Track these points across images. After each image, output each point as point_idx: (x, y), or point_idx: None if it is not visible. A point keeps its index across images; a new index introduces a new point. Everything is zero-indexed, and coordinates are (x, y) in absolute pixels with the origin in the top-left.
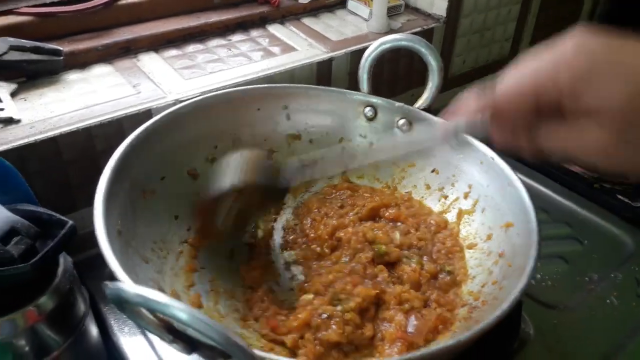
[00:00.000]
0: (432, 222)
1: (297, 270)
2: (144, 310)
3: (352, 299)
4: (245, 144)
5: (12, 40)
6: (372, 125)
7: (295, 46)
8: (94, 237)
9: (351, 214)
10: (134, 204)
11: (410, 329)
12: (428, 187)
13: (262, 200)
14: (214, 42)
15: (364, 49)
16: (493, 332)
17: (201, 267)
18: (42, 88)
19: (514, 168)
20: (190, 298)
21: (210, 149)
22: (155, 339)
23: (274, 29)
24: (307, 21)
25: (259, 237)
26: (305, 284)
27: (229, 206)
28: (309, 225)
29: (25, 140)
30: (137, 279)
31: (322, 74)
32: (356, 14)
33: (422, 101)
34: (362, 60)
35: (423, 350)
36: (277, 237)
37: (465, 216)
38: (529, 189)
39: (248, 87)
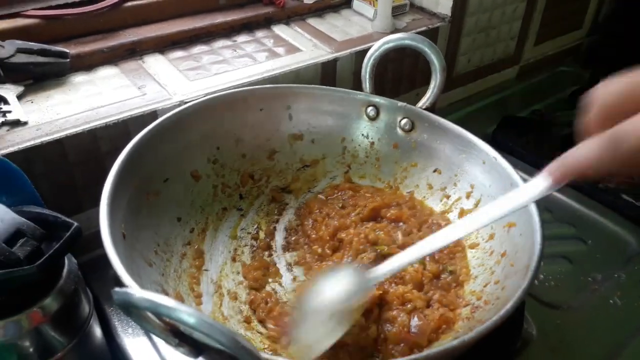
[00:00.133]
0: (434, 222)
1: (299, 271)
2: (150, 314)
3: None
4: (248, 144)
5: (19, 43)
6: (374, 124)
7: (300, 47)
8: (99, 237)
9: (353, 214)
10: (138, 207)
11: (413, 330)
12: (430, 186)
13: None
14: (219, 43)
15: (369, 48)
16: (496, 332)
17: (204, 269)
18: (48, 90)
19: (517, 167)
20: (194, 300)
21: (212, 150)
22: (159, 340)
23: (279, 29)
24: (312, 21)
25: (261, 238)
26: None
27: None
28: (310, 226)
29: (32, 142)
30: (141, 283)
31: (327, 74)
32: (361, 14)
33: (424, 100)
34: (365, 60)
35: (427, 352)
36: (279, 238)
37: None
38: None
39: (250, 87)
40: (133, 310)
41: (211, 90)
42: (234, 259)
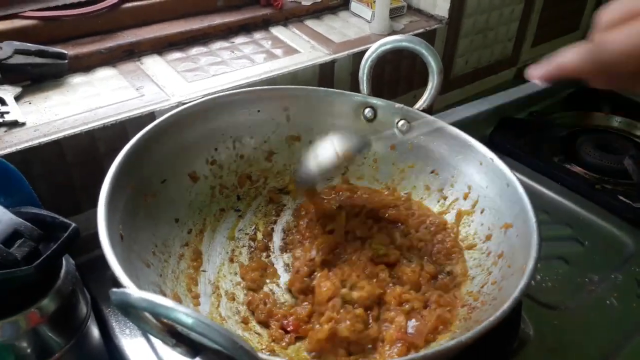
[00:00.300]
0: (431, 222)
1: None
2: (148, 315)
3: (360, 291)
4: (245, 145)
5: (17, 44)
6: (371, 126)
7: (298, 48)
8: (97, 238)
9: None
10: (136, 208)
11: (410, 330)
12: (427, 188)
13: None
14: (217, 45)
15: (367, 50)
16: (493, 332)
17: (202, 270)
18: (46, 91)
19: (515, 169)
20: (192, 301)
21: (210, 151)
22: (156, 341)
23: (277, 31)
24: (310, 23)
25: (259, 239)
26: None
27: None
28: (305, 226)
29: (30, 143)
30: (139, 284)
31: (325, 76)
32: (359, 16)
33: (422, 102)
34: (362, 62)
35: (424, 352)
36: (277, 239)
37: (465, 217)
38: (530, 189)
39: (248, 89)
40: (131, 311)
41: (209, 91)
42: (231, 260)
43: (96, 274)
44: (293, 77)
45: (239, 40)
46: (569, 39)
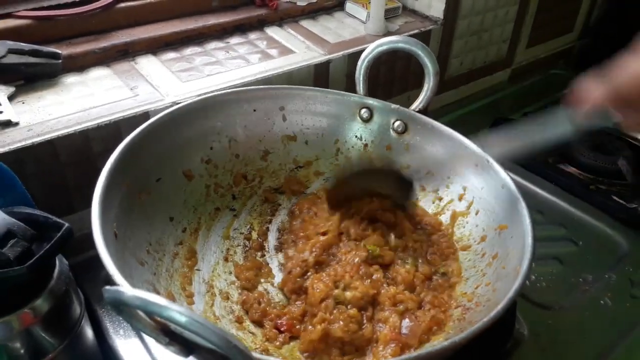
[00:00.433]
0: (426, 223)
1: None
2: (141, 313)
3: (353, 291)
4: (241, 144)
5: (11, 44)
6: (367, 126)
7: (293, 48)
8: (90, 239)
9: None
10: (130, 206)
11: (404, 330)
12: (423, 188)
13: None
14: (212, 45)
15: (362, 51)
16: (487, 332)
17: (196, 268)
18: (40, 91)
19: (509, 169)
20: (186, 300)
21: (206, 150)
22: (150, 341)
23: (272, 31)
24: (305, 24)
25: (254, 238)
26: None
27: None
28: (298, 226)
29: (23, 143)
30: (132, 282)
31: (320, 76)
32: (354, 17)
33: (417, 103)
34: (359, 63)
35: (417, 352)
36: (272, 239)
37: (460, 218)
38: (525, 189)
39: (244, 88)
40: (124, 309)
41: (203, 91)
42: (226, 259)
43: (90, 274)
44: (288, 78)
45: (234, 40)
46: (564, 40)
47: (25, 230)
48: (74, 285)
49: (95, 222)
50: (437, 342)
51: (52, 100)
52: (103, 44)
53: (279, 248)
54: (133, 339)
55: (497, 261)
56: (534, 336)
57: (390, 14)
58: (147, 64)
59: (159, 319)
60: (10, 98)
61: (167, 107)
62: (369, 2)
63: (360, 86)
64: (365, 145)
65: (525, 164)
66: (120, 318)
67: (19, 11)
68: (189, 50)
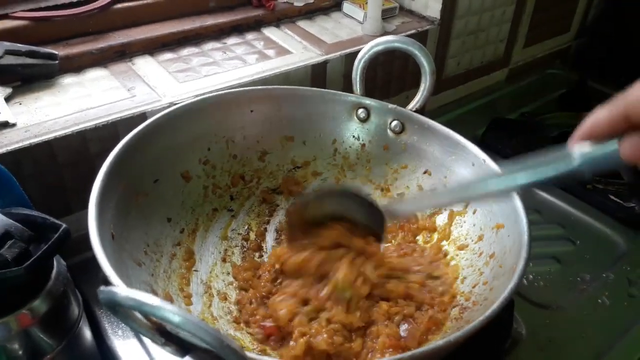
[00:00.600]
0: (416, 226)
1: None
2: (136, 314)
3: (330, 312)
4: (238, 145)
5: (8, 45)
6: (364, 126)
7: (290, 49)
8: (88, 240)
9: None
10: (127, 207)
11: (402, 334)
12: (420, 188)
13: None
14: (209, 45)
15: (359, 51)
16: (485, 331)
17: (194, 269)
18: (37, 92)
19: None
20: (184, 300)
21: (203, 151)
22: (149, 342)
23: (269, 32)
24: (302, 24)
25: (252, 239)
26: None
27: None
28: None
29: (20, 144)
30: (130, 283)
31: (317, 77)
32: (351, 17)
33: (414, 103)
34: (356, 62)
35: (413, 351)
36: (270, 239)
37: (457, 217)
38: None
39: (241, 89)
40: (119, 309)
41: (201, 92)
42: (224, 260)
43: (88, 275)
44: (285, 78)
45: (231, 41)
46: (560, 40)
47: (23, 231)
48: (72, 286)
49: (92, 223)
50: (434, 342)
51: (49, 101)
52: (100, 45)
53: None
54: (131, 339)
55: (494, 260)
56: (531, 335)
57: (387, 14)
58: (144, 64)
59: (154, 319)
60: (7, 99)
61: (164, 108)
62: (366, 3)
63: (357, 86)
64: (363, 145)
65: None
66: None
67: (15, 12)
68: (186, 51)
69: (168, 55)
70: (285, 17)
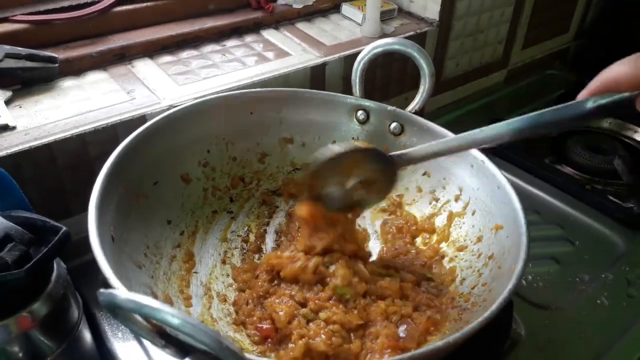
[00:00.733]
0: (412, 228)
1: None
2: (136, 316)
3: (327, 312)
4: (238, 147)
5: (8, 48)
6: (364, 128)
7: (289, 51)
8: (88, 242)
9: None
10: (127, 209)
11: (401, 335)
12: (419, 189)
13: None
14: (209, 48)
15: (358, 53)
16: (484, 332)
17: (194, 271)
18: (37, 95)
19: (505, 170)
20: (184, 302)
21: (203, 153)
22: (149, 344)
23: (268, 34)
24: (301, 26)
25: (251, 241)
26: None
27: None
28: (296, 228)
29: (20, 147)
30: (130, 285)
31: (316, 79)
32: (350, 19)
33: (414, 105)
34: (355, 65)
35: (412, 352)
36: (270, 241)
37: (456, 219)
38: (521, 190)
39: (241, 91)
40: (118, 312)
41: (200, 94)
42: (224, 262)
43: (88, 277)
44: (284, 80)
45: (231, 43)
46: (559, 41)
47: (23, 234)
48: (72, 289)
49: (92, 225)
50: (433, 342)
51: (49, 104)
52: (100, 48)
53: (276, 250)
54: (131, 342)
55: (493, 261)
56: (531, 336)
57: (386, 16)
58: (143, 67)
59: (154, 321)
60: (7, 102)
61: (164, 111)
62: (365, 5)
63: (356, 88)
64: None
65: (521, 164)
66: (117, 321)
67: (15, 15)
68: (185, 54)
69: (167, 58)
70: (284, 20)
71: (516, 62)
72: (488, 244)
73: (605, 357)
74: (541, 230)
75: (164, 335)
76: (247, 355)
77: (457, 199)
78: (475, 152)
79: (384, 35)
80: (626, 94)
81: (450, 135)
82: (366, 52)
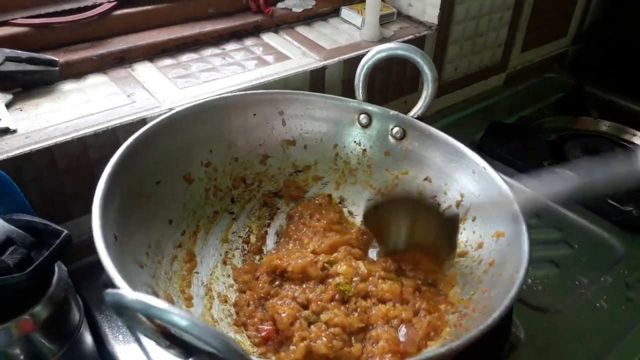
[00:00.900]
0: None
1: None
2: (141, 316)
3: (328, 314)
4: (241, 148)
5: (8, 51)
6: (366, 132)
7: (289, 55)
8: (89, 245)
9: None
10: (129, 209)
11: (401, 339)
12: (421, 195)
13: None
14: (208, 52)
15: (357, 57)
16: (484, 336)
17: (195, 271)
18: (37, 98)
19: (504, 173)
20: (184, 302)
21: (205, 153)
22: (149, 346)
23: (268, 37)
24: (301, 30)
25: (252, 242)
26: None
27: None
28: (295, 229)
29: (21, 150)
30: (132, 285)
31: (316, 82)
32: (349, 23)
33: (416, 109)
34: (359, 69)
35: (413, 359)
36: (270, 242)
37: None
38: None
39: (244, 92)
40: (125, 312)
41: (200, 97)
42: (224, 262)
43: (89, 280)
44: (284, 84)
45: (230, 46)
46: (558, 45)
47: (24, 238)
48: (73, 292)
49: (96, 224)
50: (434, 349)
51: (49, 108)
52: (100, 51)
53: (277, 252)
54: (132, 344)
55: (493, 268)
56: (530, 339)
57: (385, 20)
58: (143, 70)
59: (159, 322)
60: (8, 105)
61: (164, 114)
62: (364, 9)
63: (359, 92)
64: (364, 150)
65: (520, 168)
66: (120, 323)
67: (16, 19)
68: (185, 57)
69: (167, 62)
70: (283, 23)
71: (515, 66)
72: (489, 251)
73: None
74: (540, 234)
75: (168, 336)
76: (253, 357)
77: (458, 204)
78: (476, 158)
79: (383, 39)
80: None
81: (452, 140)
82: (370, 57)
